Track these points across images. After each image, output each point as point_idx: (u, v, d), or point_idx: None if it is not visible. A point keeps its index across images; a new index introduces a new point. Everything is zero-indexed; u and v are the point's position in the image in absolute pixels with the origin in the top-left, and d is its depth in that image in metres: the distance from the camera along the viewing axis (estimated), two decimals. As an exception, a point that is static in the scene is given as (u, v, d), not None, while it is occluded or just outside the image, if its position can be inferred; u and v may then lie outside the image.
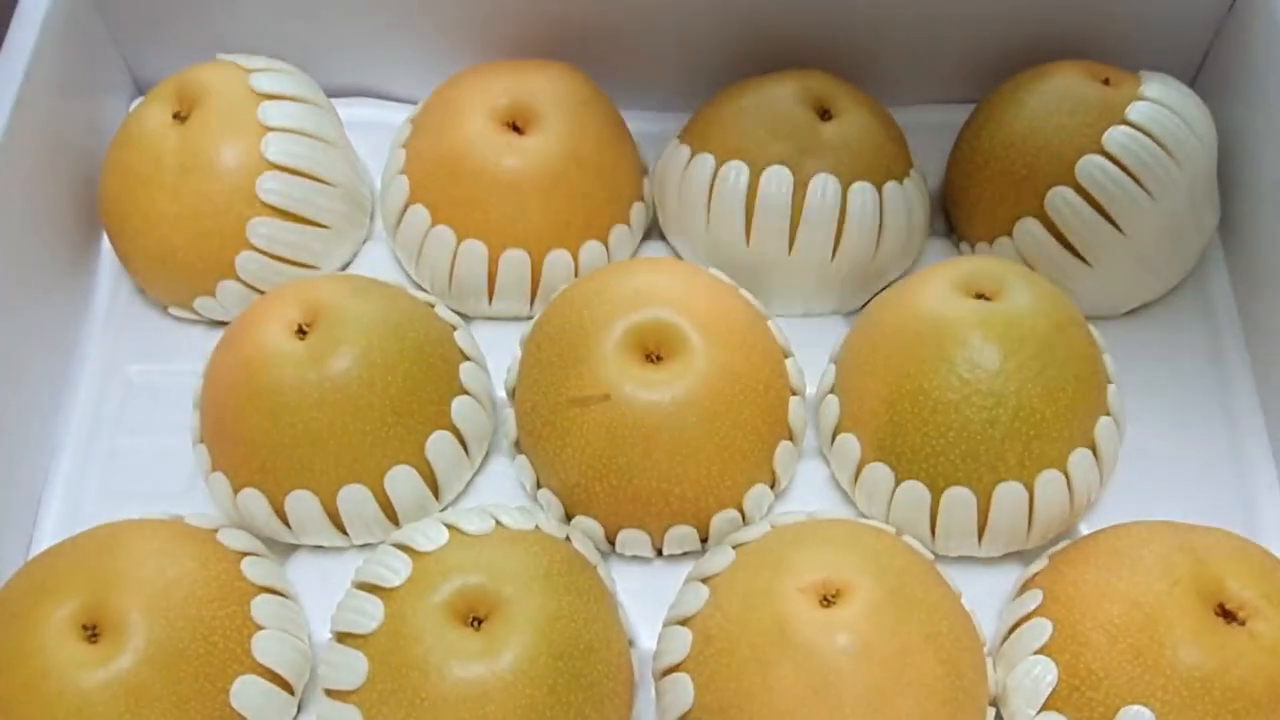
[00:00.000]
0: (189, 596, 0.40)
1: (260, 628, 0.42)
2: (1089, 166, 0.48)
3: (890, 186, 0.50)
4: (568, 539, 0.44)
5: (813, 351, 0.50)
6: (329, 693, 0.40)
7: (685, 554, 0.47)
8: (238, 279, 0.51)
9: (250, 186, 0.50)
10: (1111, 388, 0.46)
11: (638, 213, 0.54)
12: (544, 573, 0.41)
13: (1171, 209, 0.49)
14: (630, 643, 0.44)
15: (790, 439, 0.47)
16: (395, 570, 0.41)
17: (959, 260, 0.48)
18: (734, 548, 0.44)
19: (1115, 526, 0.44)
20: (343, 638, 0.41)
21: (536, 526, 0.44)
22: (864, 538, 0.42)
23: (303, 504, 0.45)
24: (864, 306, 0.50)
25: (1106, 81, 0.51)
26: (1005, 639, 0.43)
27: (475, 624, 0.40)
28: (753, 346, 0.46)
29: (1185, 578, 0.39)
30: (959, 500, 0.44)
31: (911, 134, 0.54)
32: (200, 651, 0.40)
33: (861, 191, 0.49)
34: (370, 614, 0.40)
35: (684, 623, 0.42)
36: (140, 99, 0.55)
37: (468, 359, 0.48)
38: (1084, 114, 0.49)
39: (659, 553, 0.47)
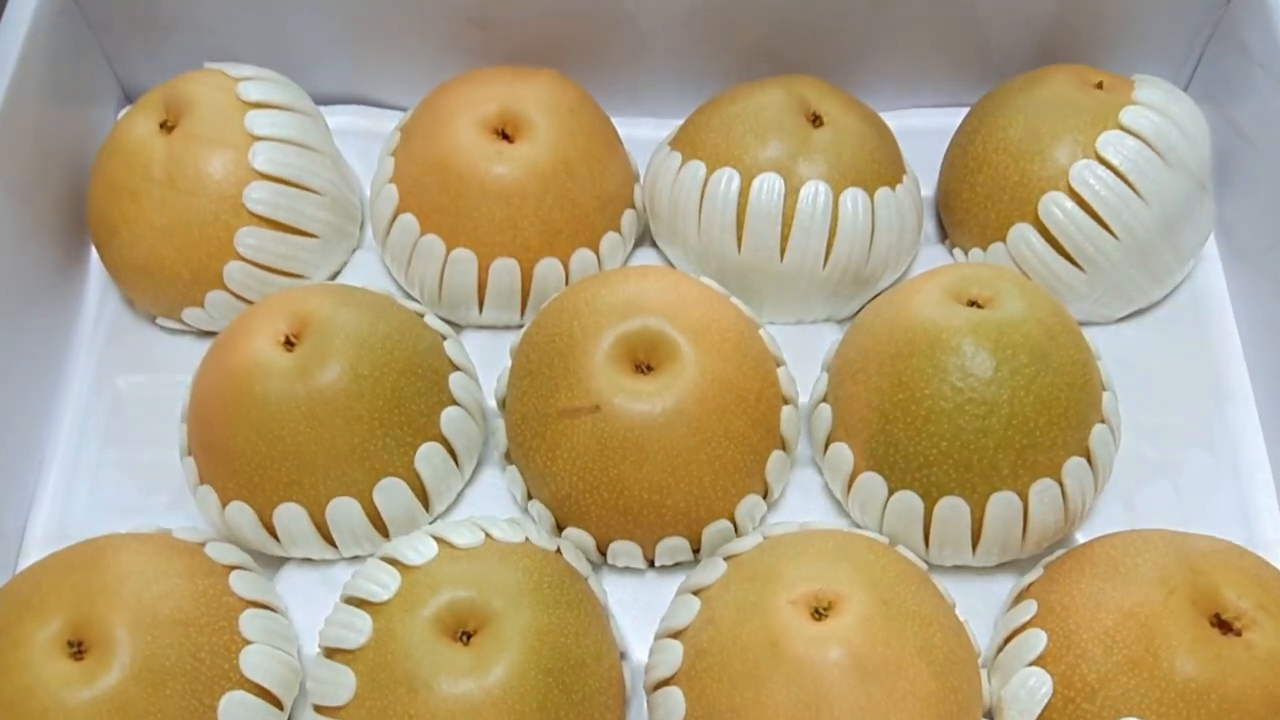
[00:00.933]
0: (176, 612, 0.40)
1: (249, 642, 0.41)
2: (1083, 171, 0.48)
3: (883, 192, 0.50)
4: (558, 551, 0.44)
5: (805, 359, 0.50)
6: (318, 709, 0.39)
7: (677, 565, 0.46)
8: (226, 289, 0.50)
9: (238, 196, 0.49)
10: (1106, 395, 0.45)
11: (629, 220, 0.53)
12: (534, 586, 0.40)
13: (1166, 213, 0.49)
14: (622, 655, 0.44)
15: (783, 448, 0.46)
16: (383, 584, 0.40)
17: (952, 267, 0.47)
18: (726, 559, 0.43)
19: (1110, 535, 0.44)
20: (331, 653, 0.40)
21: (526, 539, 0.43)
22: (856, 549, 0.41)
23: (291, 517, 0.44)
24: (856, 314, 0.50)
25: (1100, 85, 0.51)
26: (1000, 650, 0.42)
27: (464, 639, 0.39)
28: (744, 355, 0.45)
29: (1181, 587, 0.39)
30: (953, 510, 0.43)
31: (904, 139, 0.54)
32: (187, 668, 0.39)
33: (853, 198, 0.49)
34: (358, 629, 0.40)
35: (675, 635, 0.42)
36: (128, 107, 0.54)
37: (457, 369, 0.48)
38: (1078, 119, 0.49)
39: (651, 564, 0.46)
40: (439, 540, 0.42)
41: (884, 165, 0.51)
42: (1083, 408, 0.44)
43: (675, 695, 0.40)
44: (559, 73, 0.53)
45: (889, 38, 0.56)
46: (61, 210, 0.54)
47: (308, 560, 0.47)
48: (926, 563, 0.45)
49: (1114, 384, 0.46)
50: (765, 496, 0.46)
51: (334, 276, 0.54)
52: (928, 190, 0.56)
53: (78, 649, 0.39)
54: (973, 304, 0.44)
